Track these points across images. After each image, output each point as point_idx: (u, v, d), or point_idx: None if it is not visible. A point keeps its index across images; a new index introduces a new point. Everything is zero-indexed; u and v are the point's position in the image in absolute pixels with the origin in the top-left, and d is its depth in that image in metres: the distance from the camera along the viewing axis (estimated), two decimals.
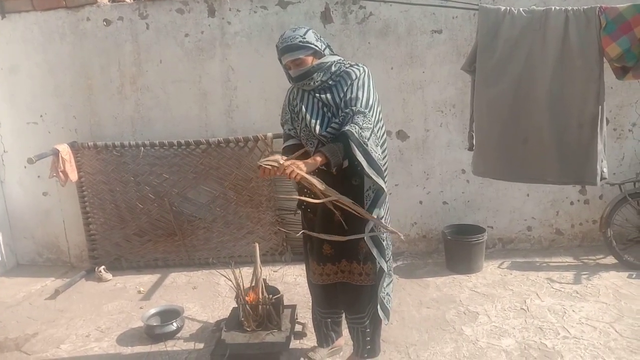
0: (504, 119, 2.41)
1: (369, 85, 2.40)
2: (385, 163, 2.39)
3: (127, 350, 3.17)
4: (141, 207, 4.33)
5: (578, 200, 4.26)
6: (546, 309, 3.37)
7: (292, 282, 4.00)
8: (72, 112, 4.35)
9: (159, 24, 4.17)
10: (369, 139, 2.24)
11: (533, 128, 2.36)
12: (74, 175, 4.12)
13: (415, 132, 4.20)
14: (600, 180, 2.48)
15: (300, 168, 2.16)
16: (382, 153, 2.39)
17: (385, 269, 2.50)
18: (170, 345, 3.17)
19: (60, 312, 3.72)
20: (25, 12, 4.21)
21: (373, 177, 2.25)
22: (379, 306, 2.57)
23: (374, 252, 2.43)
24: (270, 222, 4.28)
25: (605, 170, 2.49)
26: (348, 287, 2.60)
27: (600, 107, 2.31)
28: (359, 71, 2.42)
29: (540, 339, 3.03)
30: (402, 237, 2.31)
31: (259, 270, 3.05)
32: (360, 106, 2.31)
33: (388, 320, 2.67)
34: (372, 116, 2.33)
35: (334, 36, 4.07)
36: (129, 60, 4.24)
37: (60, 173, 4.00)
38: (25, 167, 4.38)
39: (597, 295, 3.49)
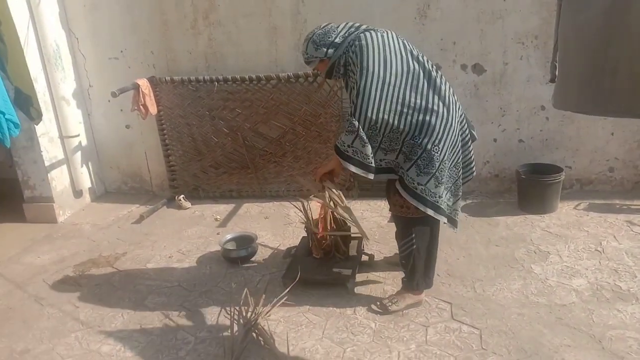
0: (592, 47, 2.21)
1: (359, 72, 2.43)
2: (390, 130, 2.45)
3: (207, 270, 3.43)
4: (216, 140, 4.51)
5: None
6: (623, 252, 3.24)
7: (359, 216, 4.06)
8: (149, 47, 4.50)
9: None
10: (352, 143, 2.44)
11: (624, 58, 2.15)
12: (153, 109, 4.33)
13: (493, 66, 4.00)
14: None
15: (318, 171, 2.76)
16: (384, 128, 2.44)
17: (432, 213, 2.55)
18: (244, 268, 3.38)
19: (145, 235, 4.05)
20: None
21: (362, 174, 2.51)
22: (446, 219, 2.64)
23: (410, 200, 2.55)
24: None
25: None
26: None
27: None
28: (353, 58, 2.48)
29: (614, 280, 2.94)
30: (366, 241, 2.69)
31: (330, 199, 3.11)
32: (350, 106, 2.48)
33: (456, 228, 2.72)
34: (359, 106, 2.40)
35: None
36: None
37: (141, 106, 4.22)
38: (109, 101, 4.64)
39: None
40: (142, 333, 2.79)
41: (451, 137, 2.52)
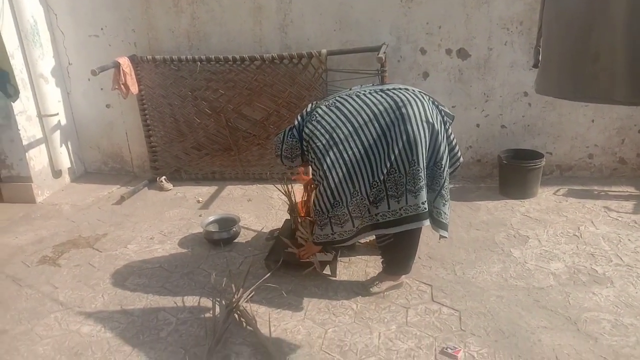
0: (575, 33, 2.23)
1: (316, 165, 2.52)
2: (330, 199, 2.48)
3: (188, 252, 3.41)
4: (198, 121, 4.45)
5: None
6: (600, 237, 3.31)
7: None
8: (130, 25, 4.40)
9: None
10: (322, 228, 2.60)
11: (606, 44, 2.17)
12: (134, 88, 4.25)
13: (477, 51, 4.00)
14: None
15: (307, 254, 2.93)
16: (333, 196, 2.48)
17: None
18: (227, 250, 3.38)
19: (126, 217, 4.00)
20: None
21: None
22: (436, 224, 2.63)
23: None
24: None
25: None
26: None
27: None
28: (309, 157, 2.58)
29: (591, 264, 3.01)
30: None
31: (312, 186, 3.12)
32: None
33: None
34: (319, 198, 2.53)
35: None
36: None
37: (122, 85, 4.13)
38: (89, 79, 4.54)
39: None
40: (122, 314, 2.77)
41: (421, 145, 2.46)
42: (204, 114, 4.42)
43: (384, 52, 3.74)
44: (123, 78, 4.12)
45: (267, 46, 4.27)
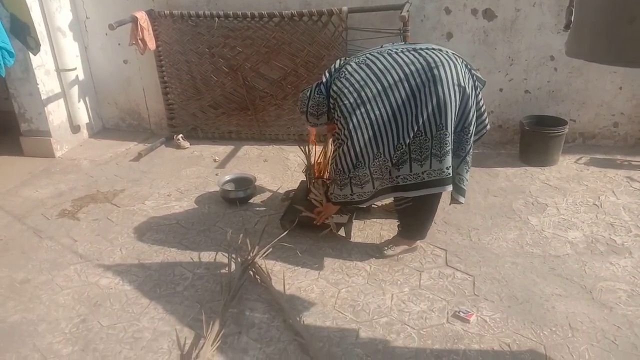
0: None
1: (342, 124, 2.44)
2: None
3: (205, 209, 3.44)
4: (215, 79, 4.40)
5: None
6: (621, 207, 3.25)
7: None
8: None
9: None
10: (341, 188, 2.56)
11: None
12: (152, 44, 4.20)
13: (504, 12, 3.85)
14: None
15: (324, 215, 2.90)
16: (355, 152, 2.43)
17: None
18: (243, 209, 3.40)
19: (144, 173, 4.03)
20: None
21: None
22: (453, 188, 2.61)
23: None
24: None
25: None
26: None
27: None
28: (335, 116, 2.50)
29: (609, 234, 2.97)
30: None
31: (329, 147, 3.09)
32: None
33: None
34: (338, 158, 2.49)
35: None
36: None
37: (139, 41, 4.09)
38: (106, 34, 4.50)
39: None
40: (140, 268, 2.83)
41: (450, 107, 2.38)
42: (221, 72, 4.37)
43: (407, 11, 3.63)
44: (140, 33, 4.07)
45: (286, 3, 4.16)
